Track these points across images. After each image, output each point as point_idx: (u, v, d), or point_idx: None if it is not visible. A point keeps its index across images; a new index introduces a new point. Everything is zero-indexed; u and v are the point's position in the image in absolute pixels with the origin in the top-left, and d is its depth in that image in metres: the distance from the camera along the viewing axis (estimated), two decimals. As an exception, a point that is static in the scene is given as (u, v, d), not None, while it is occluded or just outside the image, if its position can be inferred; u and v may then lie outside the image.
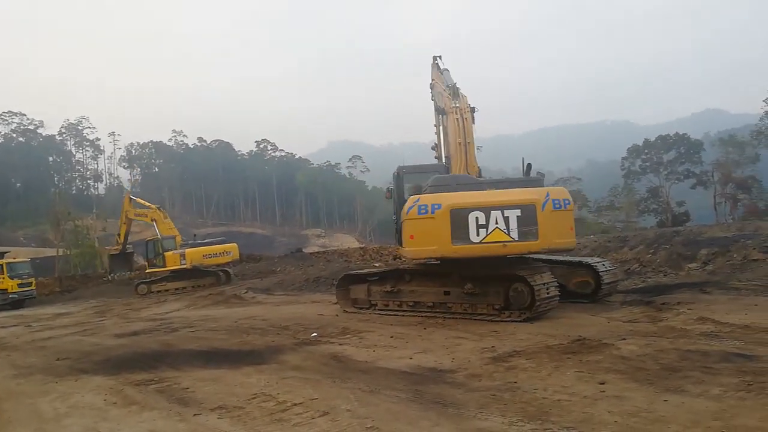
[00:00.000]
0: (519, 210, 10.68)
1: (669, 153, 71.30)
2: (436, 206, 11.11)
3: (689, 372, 6.31)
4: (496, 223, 10.71)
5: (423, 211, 11.25)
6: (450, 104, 13.73)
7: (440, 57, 16.38)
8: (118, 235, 33.47)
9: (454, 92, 13.86)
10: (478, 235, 10.81)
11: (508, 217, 10.68)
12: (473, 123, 13.70)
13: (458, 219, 10.89)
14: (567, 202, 10.97)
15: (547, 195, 10.87)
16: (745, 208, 61.91)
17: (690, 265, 16.09)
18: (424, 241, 11.30)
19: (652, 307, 11.39)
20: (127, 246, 33.76)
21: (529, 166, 12.66)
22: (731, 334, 8.29)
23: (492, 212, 10.76)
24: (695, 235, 17.96)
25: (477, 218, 10.82)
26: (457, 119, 13.25)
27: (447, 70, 15.58)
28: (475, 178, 12.66)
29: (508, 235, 10.69)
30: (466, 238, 10.84)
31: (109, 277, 31.01)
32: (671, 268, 16.34)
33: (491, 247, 10.85)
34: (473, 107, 13.77)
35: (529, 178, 11.98)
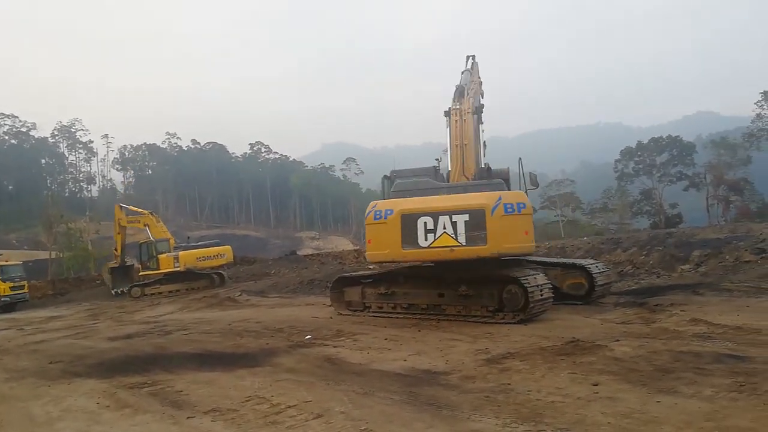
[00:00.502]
0: (467, 215, 10.92)
1: (662, 155, 71.73)
2: (388, 211, 11.64)
3: (682, 373, 6.35)
4: (444, 228, 11.04)
5: (378, 216, 11.77)
6: (452, 105, 13.60)
7: (473, 56, 16.03)
8: (115, 249, 33.28)
9: (460, 93, 13.67)
10: (426, 239, 11.19)
11: (456, 222, 10.97)
12: (481, 123, 13.62)
13: (408, 224, 11.33)
14: (521, 205, 10.96)
15: (499, 199, 10.93)
16: (737, 210, 62.30)
17: (683, 267, 16.17)
18: (379, 245, 11.81)
19: (645, 308, 11.45)
20: (126, 259, 33.61)
21: (487, 167, 13.12)
22: (723, 335, 8.34)
23: (440, 217, 11.10)
24: (688, 236, 18.04)
25: (425, 223, 11.20)
26: (456, 120, 13.20)
27: (469, 70, 15.36)
28: (436, 183, 12.61)
29: (456, 239, 10.97)
30: (415, 243, 11.28)
31: (113, 292, 30.91)
32: (664, 269, 16.42)
33: (439, 252, 11.17)
34: (480, 105, 13.64)
35: (490, 182, 12.03)
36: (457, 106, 13.26)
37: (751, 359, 6.76)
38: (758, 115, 67.78)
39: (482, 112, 13.88)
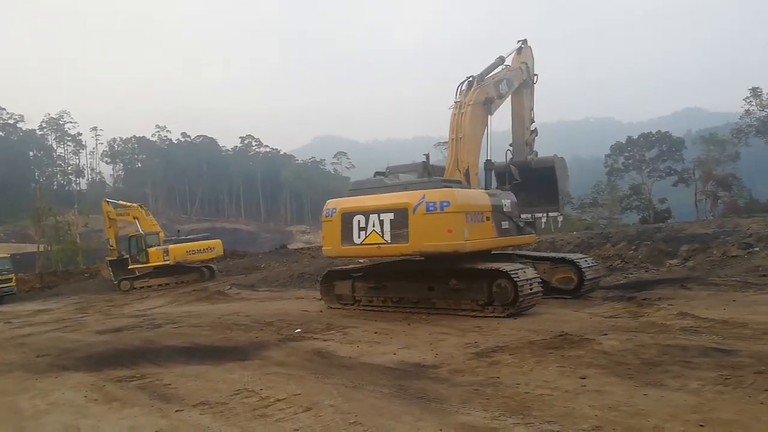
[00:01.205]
0: (392, 214, 11.38)
1: (651, 151, 71.98)
2: (333, 210, 12.37)
3: (669, 366, 6.40)
4: (374, 226, 11.58)
5: (328, 214, 12.50)
6: (455, 97, 13.35)
7: (524, 41, 15.73)
8: (110, 244, 33.01)
9: (468, 84, 13.25)
10: (359, 237, 11.79)
11: (383, 220, 11.47)
12: (489, 114, 13.42)
13: (346, 222, 11.98)
14: (444, 204, 10.94)
15: (422, 198, 11.10)
16: (725, 206, 62.75)
17: (671, 261, 16.28)
18: (327, 241, 12.55)
19: (634, 302, 11.53)
20: (122, 252, 33.39)
21: (427, 158, 13.40)
22: (710, 329, 8.41)
23: (371, 216, 11.63)
24: (676, 231, 18.15)
25: (359, 221, 11.78)
26: (455, 113, 13.06)
27: (499, 59, 14.66)
28: (385, 181, 12.80)
29: (382, 237, 11.47)
30: (351, 240, 11.91)
31: (115, 283, 30.73)
32: (653, 264, 16.52)
33: (369, 249, 11.85)
34: (488, 97, 13.28)
35: (431, 179, 12.17)
36: (458, 99, 13.12)
37: (737, 353, 6.83)
38: (747, 111, 68.28)
39: (493, 103, 13.52)
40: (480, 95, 13.16)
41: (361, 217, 11.73)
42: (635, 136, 74.05)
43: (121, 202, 34.16)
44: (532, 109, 15.92)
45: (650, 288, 13.39)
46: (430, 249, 11.22)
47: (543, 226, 15.34)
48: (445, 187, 11.38)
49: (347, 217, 11.97)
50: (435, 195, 11.10)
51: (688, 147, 71.45)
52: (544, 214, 14.66)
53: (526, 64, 15.47)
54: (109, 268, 32.09)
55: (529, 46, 15.93)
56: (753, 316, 9.09)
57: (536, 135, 15.88)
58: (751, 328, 8.26)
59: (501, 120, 15.02)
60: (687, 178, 69.08)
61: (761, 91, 67.24)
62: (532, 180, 14.68)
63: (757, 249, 15.17)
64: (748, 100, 68.09)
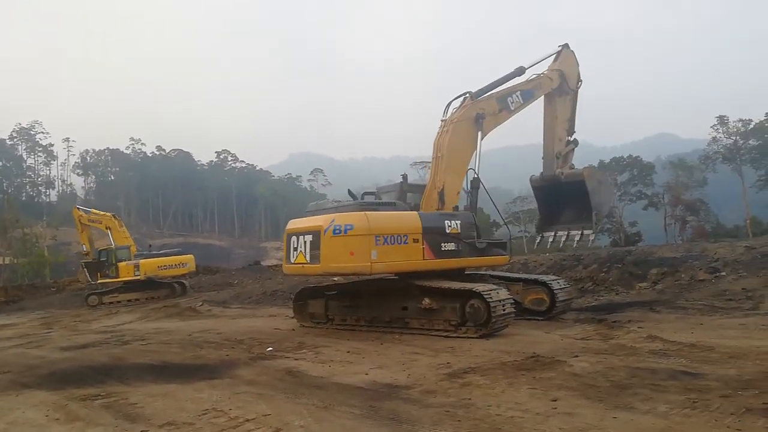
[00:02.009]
0: (311, 235, 11.97)
1: (623, 174, 73.49)
2: (284, 231, 13.13)
3: (638, 389, 6.46)
4: (301, 246, 12.24)
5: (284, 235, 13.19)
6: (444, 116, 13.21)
7: (565, 45, 15.32)
8: (83, 246, 32.37)
9: (462, 101, 13.16)
10: (293, 256, 12.48)
11: (306, 241, 12.10)
12: (480, 131, 13.05)
13: (288, 242, 12.71)
14: (349, 227, 11.32)
15: (332, 221, 11.53)
16: (693, 230, 64.21)
17: (640, 284, 16.53)
18: (284, 259, 13.26)
19: (604, 324, 11.65)
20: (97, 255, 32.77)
21: (404, 178, 13.67)
22: (678, 352, 8.53)
23: (300, 237, 12.31)
24: (646, 255, 18.47)
25: (293, 242, 12.51)
26: (439, 132, 12.99)
27: (519, 71, 14.22)
28: (330, 203, 13.25)
29: (306, 257, 12.07)
30: (289, 259, 12.65)
31: (93, 284, 30.04)
32: (623, 286, 16.76)
33: (297, 268, 12.49)
34: (480, 113, 12.99)
35: (351, 202, 12.34)
36: (444, 117, 13.03)
37: (704, 376, 6.93)
38: (714, 139, 70.29)
39: (489, 119, 13.22)
40: (470, 111, 12.96)
41: (295, 238, 12.44)
42: (608, 160, 75.53)
43: (93, 210, 33.52)
44: (570, 119, 15.26)
45: (620, 310, 13.56)
46: (336, 270, 11.98)
47: (575, 245, 14.90)
48: (367, 209, 11.71)
49: (289, 238, 12.70)
50: (342, 218, 11.52)
51: (658, 172, 73.16)
52: (579, 232, 14.16)
53: (561, 71, 14.84)
54: (85, 270, 31.46)
55: (571, 51, 15.29)
56: (719, 340, 9.25)
57: (574, 146, 15.17)
58: (717, 351, 8.39)
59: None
60: (657, 202, 70.60)
61: (728, 120, 69.38)
62: (565, 195, 14.39)
63: (723, 273, 15.49)
64: (716, 128, 70.21)
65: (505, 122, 13.88)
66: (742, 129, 68.53)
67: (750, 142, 68.26)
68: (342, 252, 11.34)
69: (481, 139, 13.22)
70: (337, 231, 11.36)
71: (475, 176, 13.11)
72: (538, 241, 17.22)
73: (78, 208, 32.84)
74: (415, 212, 12.27)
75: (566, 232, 14.15)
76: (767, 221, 61.69)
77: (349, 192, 13.10)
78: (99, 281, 29.94)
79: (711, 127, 70.71)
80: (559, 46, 15.21)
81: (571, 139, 15.09)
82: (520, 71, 14.02)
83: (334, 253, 11.43)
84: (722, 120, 69.50)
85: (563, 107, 15.00)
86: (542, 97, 14.78)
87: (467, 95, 13.18)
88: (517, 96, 13.82)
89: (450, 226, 12.21)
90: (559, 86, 14.78)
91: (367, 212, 11.56)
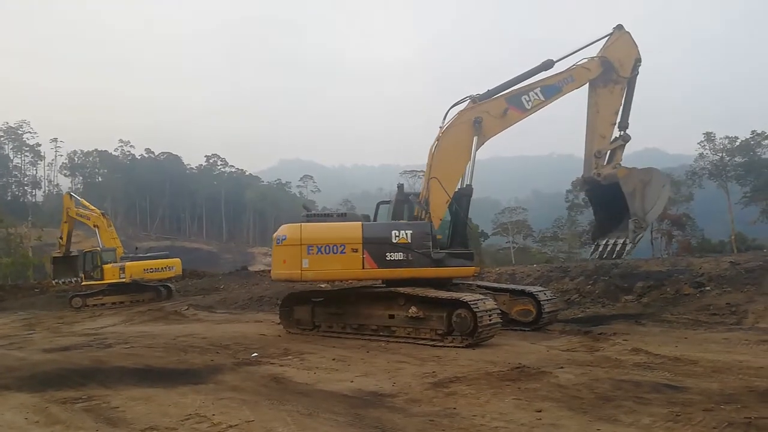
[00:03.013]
0: (274, 243, 13.04)
1: (610, 189, 73.91)
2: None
3: (622, 401, 6.49)
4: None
5: None
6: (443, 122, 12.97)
7: (619, 26, 13.72)
8: (60, 237, 32.02)
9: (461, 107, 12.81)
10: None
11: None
12: (476, 135, 12.45)
13: None
14: (282, 238, 12.67)
15: (279, 231, 12.92)
16: (679, 245, 64.62)
17: (626, 297, 16.62)
18: None
19: (590, 336, 11.70)
20: (71, 250, 32.31)
21: (400, 187, 13.85)
22: (662, 365, 8.59)
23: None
24: (632, 268, 18.57)
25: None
26: (436, 138, 12.86)
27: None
28: (318, 213, 14.05)
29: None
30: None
31: (53, 282, 29.55)
32: (609, 299, 16.84)
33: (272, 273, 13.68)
34: (478, 117, 12.51)
35: (304, 214, 13.46)
36: (442, 124, 12.82)
37: (687, 390, 6.98)
38: (701, 155, 71.00)
39: (489, 123, 12.57)
40: (467, 115, 12.64)
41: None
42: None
43: (84, 202, 33.04)
44: (617, 112, 13.58)
45: (606, 323, 13.64)
46: (277, 277, 13.21)
47: (605, 256, 13.40)
48: (308, 221, 12.99)
49: None
50: (282, 230, 12.91)
51: (646, 186, 73.52)
52: (615, 241, 12.86)
53: (605, 57, 13.39)
54: (52, 266, 30.94)
55: (625, 33, 13.56)
56: (703, 354, 9.33)
57: (623, 143, 13.52)
58: (701, 365, 8.46)
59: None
60: (644, 216, 70.95)
61: (714, 136, 70.17)
62: (606, 199, 13.45)
63: (708, 288, 15.62)
64: (702, 144, 70.93)
65: (519, 123, 13.02)
66: (729, 146, 69.36)
67: (736, 159, 69.07)
68: (279, 260, 12.65)
69: (480, 144, 12.71)
70: (279, 241, 12.67)
71: (468, 184, 13.04)
72: (592, 250, 15.46)
73: (71, 196, 32.32)
74: (360, 222, 12.75)
75: (609, 241, 12.85)
76: (752, 237, 62.32)
77: (304, 206, 14.05)
78: (85, 283, 29.56)
79: (698, 143, 71.56)
80: (614, 27, 13.65)
81: (621, 134, 13.63)
82: (548, 65, 12.87)
83: (276, 261, 12.82)
84: (709, 137, 70.24)
85: (608, 99, 13.48)
86: (586, 86, 13.50)
87: (470, 98, 12.75)
88: (536, 93, 12.85)
89: (398, 236, 12.24)
90: (603, 75, 13.34)
91: (302, 224, 12.74)
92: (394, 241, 12.18)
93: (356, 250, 12.10)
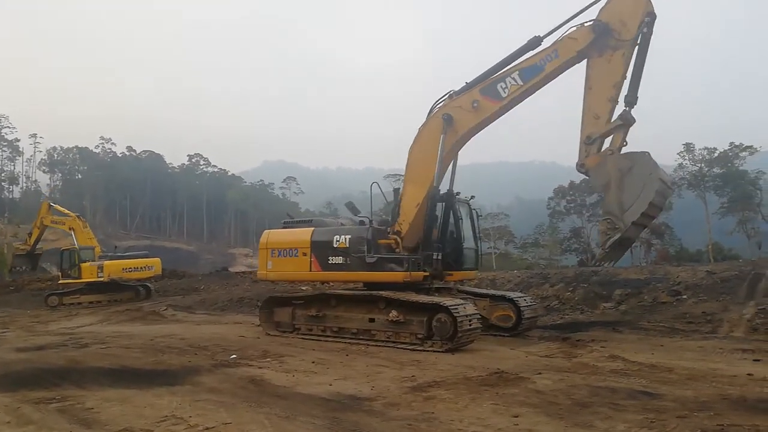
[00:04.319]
0: None
1: (592, 196, 74.68)
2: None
3: (598, 408, 6.55)
4: None
5: None
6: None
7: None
8: (29, 234, 31.79)
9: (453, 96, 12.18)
10: None
11: None
12: (443, 134, 11.81)
13: None
14: (262, 242, 14.57)
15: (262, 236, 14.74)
16: (658, 253, 65.46)
17: (605, 305, 16.79)
18: None
19: (568, 343, 11.79)
20: (37, 248, 32.11)
21: (290, 216, 16.41)
22: (638, 372, 8.68)
23: None
24: (611, 276, 18.78)
25: None
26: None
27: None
28: (295, 220, 15.41)
29: None
30: None
31: (12, 269, 29.40)
32: (587, 306, 17.00)
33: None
34: (447, 115, 11.79)
35: (306, 219, 15.30)
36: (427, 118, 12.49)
37: (662, 397, 7.06)
38: (680, 165, 72.10)
39: (457, 121, 11.71)
40: (440, 113, 12.18)
41: None
42: (578, 181, 76.80)
43: (59, 207, 32.68)
44: (617, 85, 10.60)
45: (584, 329, 13.76)
46: (259, 277, 15.12)
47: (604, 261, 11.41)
48: (284, 227, 14.74)
49: None
50: (262, 235, 14.84)
51: (626, 195, 74.31)
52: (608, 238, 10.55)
53: (600, 21, 10.67)
54: (13, 257, 30.89)
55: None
56: (679, 362, 9.45)
57: (623, 123, 10.53)
58: (676, 373, 8.57)
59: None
60: (623, 224, 71.71)
61: (694, 147, 71.29)
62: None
63: (685, 297, 15.85)
64: (682, 155, 72.03)
65: (507, 113, 11.68)
66: (707, 157, 70.52)
67: (714, 169, 70.21)
68: (259, 262, 14.63)
69: (458, 141, 12.02)
70: (259, 246, 14.71)
71: (448, 189, 13.06)
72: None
73: (50, 206, 32.00)
74: (311, 228, 13.82)
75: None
76: (728, 247, 63.32)
77: (288, 213, 15.00)
78: (62, 282, 29.15)
79: (677, 153, 72.68)
80: None
81: (616, 120, 10.65)
82: (535, 42, 11.15)
83: (261, 263, 14.47)
84: (688, 147, 71.38)
85: (605, 69, 10.74)
86: (584, 63, 11.05)
87: (451, 93, 12.14)
88: (513, 78, 11.23)
89: (338, 240, 12.86)
90: (596, 42, 10.71)
91: (270, 230, 14.73)
92: (335, 245, 12.94)
93: (306, 254, 13.40)
